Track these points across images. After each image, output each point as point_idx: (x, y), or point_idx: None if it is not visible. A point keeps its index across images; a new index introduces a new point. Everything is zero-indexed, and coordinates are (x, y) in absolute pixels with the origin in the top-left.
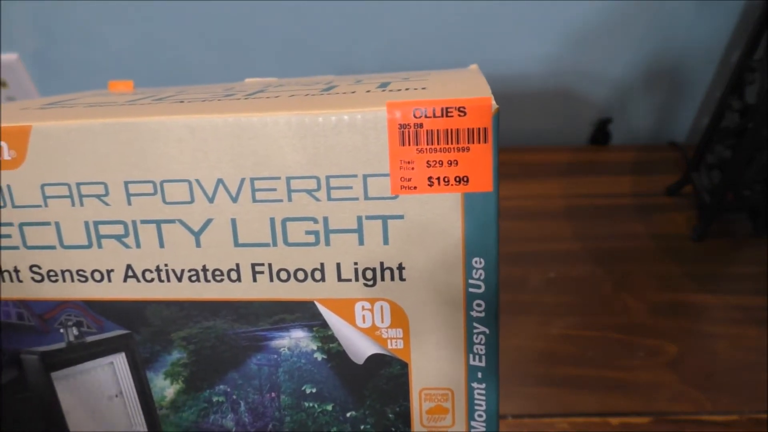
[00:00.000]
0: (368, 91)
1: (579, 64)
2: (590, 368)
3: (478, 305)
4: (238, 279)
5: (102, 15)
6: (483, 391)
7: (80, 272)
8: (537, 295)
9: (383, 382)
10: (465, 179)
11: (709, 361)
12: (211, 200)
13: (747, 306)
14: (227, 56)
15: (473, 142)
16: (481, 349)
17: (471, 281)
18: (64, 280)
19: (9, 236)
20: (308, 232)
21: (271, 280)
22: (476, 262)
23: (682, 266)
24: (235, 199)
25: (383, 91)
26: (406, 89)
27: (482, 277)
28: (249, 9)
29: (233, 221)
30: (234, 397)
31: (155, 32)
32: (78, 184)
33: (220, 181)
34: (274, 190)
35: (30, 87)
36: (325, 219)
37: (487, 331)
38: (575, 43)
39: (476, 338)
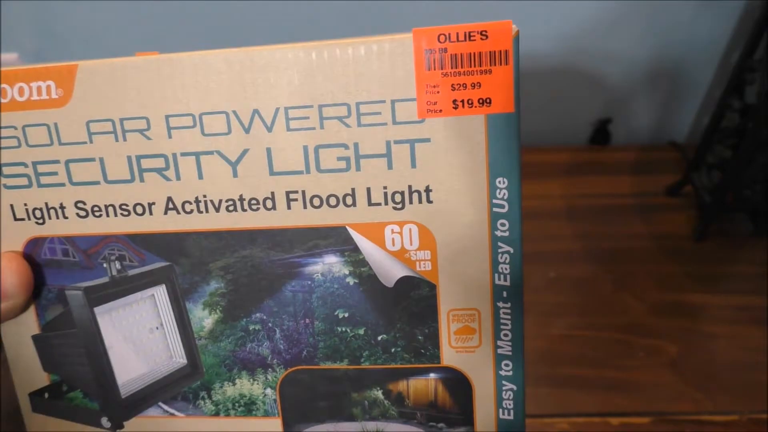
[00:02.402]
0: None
1: (579, 64)
2: (590, 368)
3: (502, 225)
4: (273, 207)
5: (102, 15)
6: (508, 311)
7: (123, 206)
8: (537, 295)
9: (413, 304)
10: (488, 101)
11: (709, 361)
12: (247, 131)
13: (747, 306)
14: None
15: (495, 65)
16: (506, 269)
17: (495, 201)
18: (107, 215)
19: (55, 173)
20: (340, 158)
21: (305, 206)
22: (500, 182)
23: (682, 266)
24: (270, 129)
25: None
26: None
27: (505, 197)
28: (249, 9)
29: (268, 150)
30: (270, 324)
31: (155, 32)
32: (121, 120)
33: (255, 111)
34: (307, 118)
35: None
36: (356, 145)
37: (512, 251)
38: (575, 42)
39: (501, 257)
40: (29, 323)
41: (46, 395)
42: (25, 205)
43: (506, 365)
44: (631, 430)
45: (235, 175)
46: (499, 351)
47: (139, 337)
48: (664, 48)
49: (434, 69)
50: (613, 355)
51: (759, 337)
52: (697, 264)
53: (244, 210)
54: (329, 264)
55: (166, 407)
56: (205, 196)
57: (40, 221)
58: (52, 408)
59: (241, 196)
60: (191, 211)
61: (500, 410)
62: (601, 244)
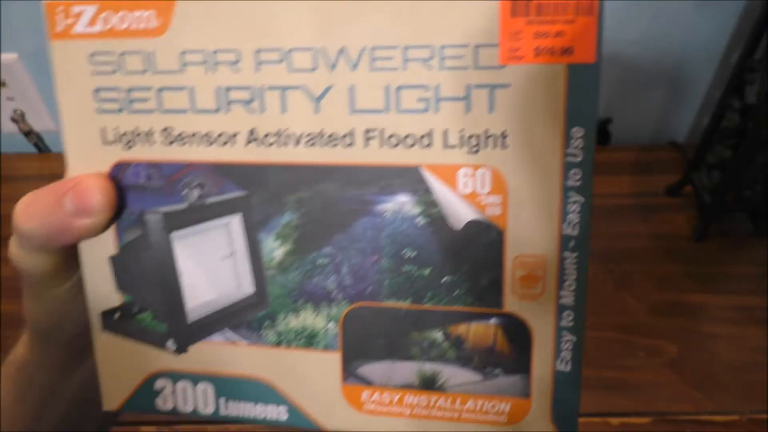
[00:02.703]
0: None
1: None
2: (590, 368)
3: (575, 174)
4: (351, 144)
5: None
6: (574, 261)
7: (207, 135)
8: None
9: (479, 248)
10: (570, 50)
11: (709, 361)
12: (332, 68)
13: (747, 306)
14: None
15: (580, 15)
16: (575, 218)
17: (569, 150)
18: (192, 143)
19: (146, 100)
20: (420, 100)
21: (382, 145)
22: (575, 131)
23: (682, 266)
24: (354, 68)
25: None
26: None
27: (580, 146)
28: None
29: (351, 88)
30: (338, 259)
31: None
32: (214, 52)
33: (342, 50)
34: (391, 59)
35: (30, 87)
36: (437, 87)
37: (582, 200)
38: None
39: (571, 207)
40: (108, 244)
41: (117, 315)
42: (116, 129)
43: (567, 315)
44: (631, 430)
45: (317, 110)
46: (562, 301)
47: (210, 264)
48: (664, 48)
49: (519, 16)
50: (613, 355)
51: (759, 337)
52: (697, 264)
53: (323, 145)
54: (401, 203)
55: (229, 334)
56: (286, 130)
57: (129, 146)
58: (121, 327)
59: (321, 131)
60: (272, 144)
61: (558, 361)
62: (601, 244)
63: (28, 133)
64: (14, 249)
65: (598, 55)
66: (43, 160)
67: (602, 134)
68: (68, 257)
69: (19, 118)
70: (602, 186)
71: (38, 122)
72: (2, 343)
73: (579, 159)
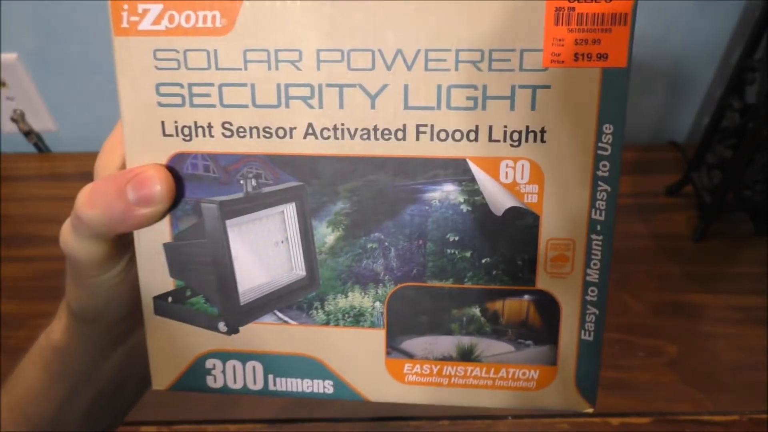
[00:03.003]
0: None
1: None
2: None
3: (604, 166)
4: (404, 138)
5: (102, 15)
6: (600, 243)
7: (266, 129)
8: None
9: (516, 232)
10: (605, 56)
11: (709, 361)
12: (389, 68)
13: (747, 306)
14: None
15: (615, 25)
16: (602, 205)
17: (600, 144)
18: (251, 136)
19: (208, 95)
20: (468, 98)
21: (432, 139)
22: (606, 128)
23: (682, 266)
24: (409, 68)
25: None
26: None
27: (610, 141)
28: None
29: (405, 87)
30: (386, 244)
31: None
32: (276, 51)
33: (399, 51)
34: (444, 60)
35: (30, 87)
36: (484, 87)
37: (609, 189)
38: None
39: (599, 195)
40: (163, 232)
41: (170, 299)
42: (176, 122)
43: (592, 291)
44: (631, 430)
45: (372, 107)
46: (588, 278)
47: (264, 249)
48: (664, 48)
49: (561, 24)
50: (613, 355)
51: (759, 337)
52: (697, 264)
53: (376, 139)
54: (447, 192)
55: (280, 315)
56: (342, 124)
57: (187, 138)
58: (173, 311)
59: (375, 126)
60: (328, 137)
61: (582, 331)
62: None
63: (28, 133)
64: (68, 237)
65: (629, 60)
66: (42, 160)
67: None
68: (117, 246)
69: (18, 118)
70: None
71: (38, 122)
72: (2, 343)
73: (608, 153)
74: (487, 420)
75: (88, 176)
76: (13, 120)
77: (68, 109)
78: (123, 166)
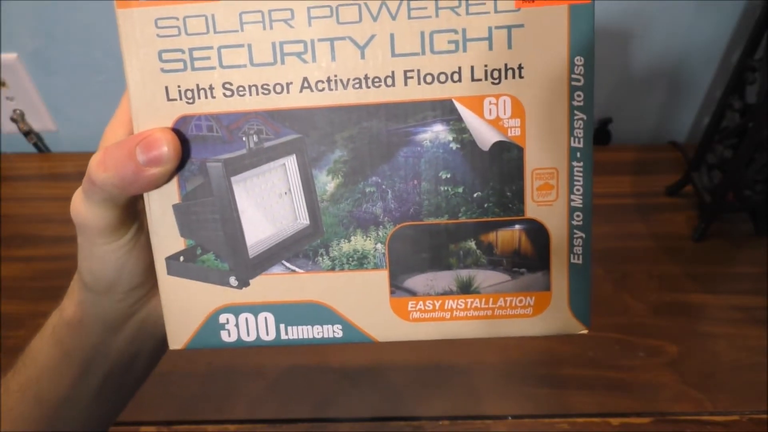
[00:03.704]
0: None
1: None
2: (590, 368)
3: (578, 95)
4: (393, 84)
5: (102, 15)
6: (581, 169)
7: (264, 86)
8: None
9: (503, 165)
10: None
11: (710, 361)
12: (375, 19)
13: (747, 306)
14: None
15: None
16: (580, 133)
17: (573, 76)
18: (250, 94)
19: (208, 58)
20: (450, 42)
21: (419, 83)
22: (577, 60)
23: (682, 266)
24: (394, 18)
25: None
26: None
27: (582, 72)
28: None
29: (391, 36)
30: (383, 187)
31: None
32: (270, 11)
33: (383, 3)
34: (425, 8)
35: (30, 87)
36: (464, 30)
37: (585, 117)
38: None
39: (576, 123)
40: (171, 193)
41: (182, 258)
42: (179, 86)
43: (577, 216)
44: (632, 430)
45: (362, 57)
46: (572, 204)
47: (268, 202)
48: (664, 48)
49: None
50: (613, 355)
51: (759, 337)
52: (697, 264)
53: (368, 87)
54: (436, 132)
55: (288, 264)
56: (335, 76)
57: (190, 101)
58: (185, 270)
59: (366, 75)
60: (323, 89)
61: (571, 255)
62: (601, 244)
63: (28, 133)
64: (79, 205)
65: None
66: (42, 160)
67: (602, 134)
68: (127, 213)
69: (18, 118)
70: (602, 186)
71: (38, 122)
72: (2, 343)
73: (582, 83)
74: (487, 420)
75: None
76: (13, 120)
77: (68, 109)
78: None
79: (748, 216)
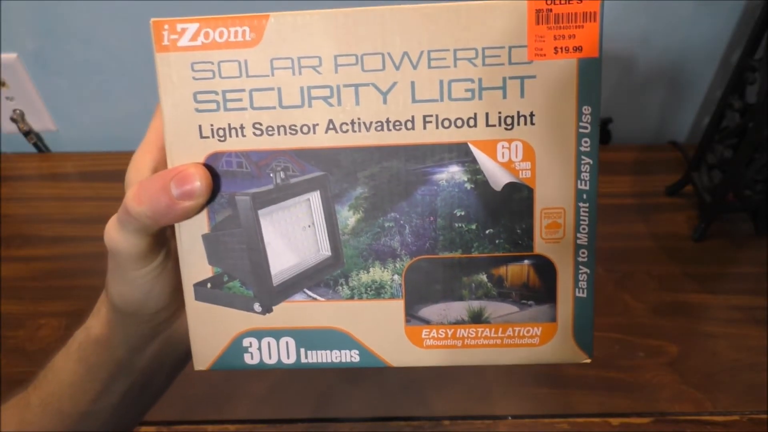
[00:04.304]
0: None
1: None
2: (591, 368)
3: (586, 142)
4: (413, 128)
5: (102, 15)
6: (587, 210)
7: (292, 127)
8: None
9: (514, 204)
10: (580, 48)
11: (710, 361)
12: (397, 68)
13: (747, 306)
14: None
15: (586, 21)
16: (587, 176)
17: (581, 124)
18: (278, 134)
19: (240, 100)
20: (467, 90)
21: (437, 127)
22: (585, 109)
23: (682, 266)
24: (415, 67)
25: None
26: None
27: (589, 121)
28: (248, 9)
29: (412, 83)
30: (401, 222)
31: None
32: (299, 58)
33: (405, 53)
34: (444, 59)
35: (30, 87)
36: (480, 79)
37: (591, 162)
38: None
39: (583, 167)
40: (201, 224)
41: (209, 285)
42: (211, 125)
43: (583, 253)
44: (632, 431)
45: (384, 102)
46: (578, 241)
47: (293, 234)
48: (665, 47)
49: (542, 24)
50: (613, 355)
51: (759, 337)
52: (697, 264)
53: (389, 130)
54: (452, 173)
55: (309, 293)
56: (359, 119)
57: (222, 139)
58: (212, 296)
59: (387, 119)
60: (347, 131)
61: (576, 289)
62: (601, 244)
63: (28, 133)
64: (114, 233)
65: (600, 50)
66: (42, 160)
67: (602, 134)
68: (157, 241)
69: (18, 118)
70: (602, 186)
71: (38, 122)
72: (2, 343)
73: (588, 130)
74: (487, 420)
75: (87, 176)
76: (13, 120)
77: (68, 109)
78: (154, 170)
79: (748, 216)
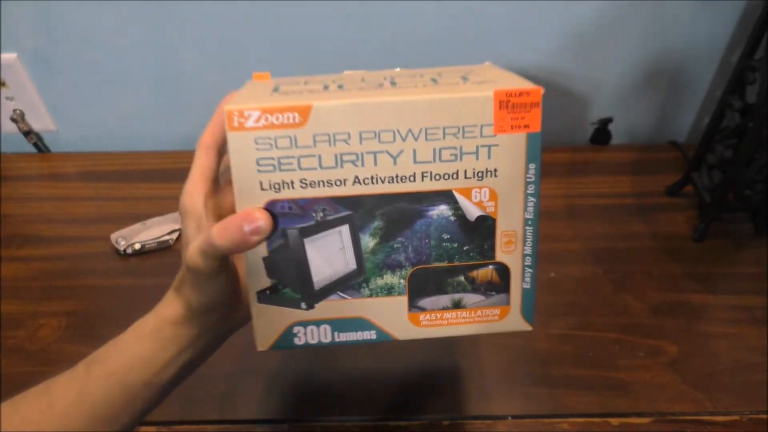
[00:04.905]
0: (466, 80)
1: (579, 64)
2: (590, 368)
3: (531, 187)
4: (414, 180)
5: (102, 15)
6: (531, 231)
7: (328, 181)
8: (537, 294)
9: (483, 230)
10: (528, 125)
11: (710, 361)
12: (404, 140)
13: (747, 306)
14: (225, 56)
15: (532, 108)
16: (531, 210)
17: (528, 176)
18: (319, 187)
19: (290, 164)
20: (452, 154)
21: (431, 180)
22: (531, 166)
23: (682, 266)
24: (416, 139)
25: (480, 83)
26: (491, 81)
27: (533, 173)
28: (247, 9)
29: (414, 150)
30: (406, 244)
31: (155, 32)
32: (334, 134)
33: (409, 130)
34: (437, 134)
35: (30, 87)
36: (461, 147)
37: (534, 200)
38: (575, 43)
39: (529, 204)
40: (262, 250)
41: (268, 291)
42: (270, 181)
43: (528, 259)
44: (632, 431)
45: (394, 163)
46: (525, 252)
47: (329, 254)
48: (665, 48)
49: (503, 110)
50: (613, 355)
51: (759, 337)
52: (697, 264)
53: (398, 182)
54: (441, 210)
55: (340, 294)
56: (377, 175)
57: (277, 191)
58: (270, 299)
59: (396, 174)
60: (368, 183)
61: (523, 283)
62: (601, 244)
63: (28, 133)
64: (198, 258)
65: (542, 126)
66: (42, 159)
67: (603, 134)
68: (225, 262)
69: (18, 118)
70: (602, 186)
71: (38, 122)
72: (2, 343)
73: (533, 179)
74: (487, 420)
75: (87, 176)
76: (13, 120)
77: (68, 109)
78: (205, 200)
79: (748, 216)
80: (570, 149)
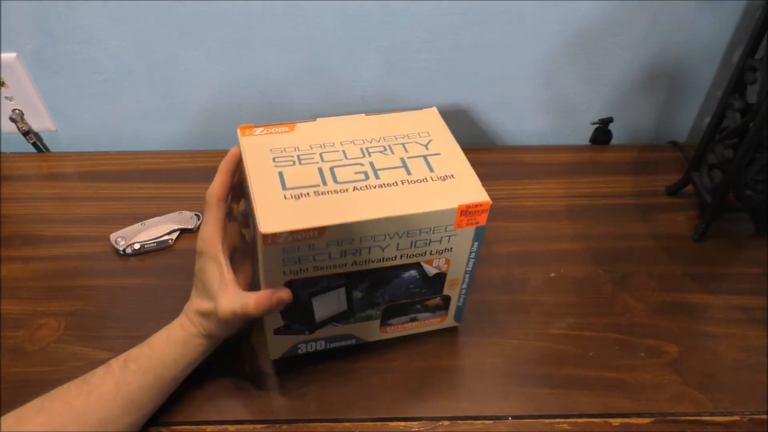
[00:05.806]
0: (432, 170)
1: (579, 64)
2: (591, 368)
3: (473, 254)
4: (395, 260)
5: (102, 15)
6: (469, 276)
7: (333, 266)
8: (537, 295)
9: (437, 280)
10: (477, 222)
11: (710, 361)
12: (391, 238)
13: (747, 306)
14: (224, 56)
15: (482, 212)
16: (471, 264)
17: (472, 250)
18: (326, 269)
19: (308, 259)
20: (423, 242)
21: (407, 258)
22: (474, 246)
23: (682, 266)
24: (400, 237)
25: (443, 180)
26: (451, 176)
27: (476, 248)
28: (246, 9)
29: (398, 244)
30: (384, 294)
31: (154, 32)
32: (342, 240)
33: (396, 232)
34: (416, 233)
35: (29, 87)
36: (430, 239)
37: (474, 259)
38: (576, 42)
39: (470, 262)
40: None
41: (281, 328)
42: (291, 270)
43: (463, 290)
44: (632, 431)
45: (382, 252)
46: (462, 287)
47: (329, 304)
48: (665, 48)
49: (463, 216)
50: (613, 355)
51: (759, 337)
52: (697, 264)
53: (383, 262)
54: (411, 272)
55: (335, 323)
56: (369, 259)
57: (296, 274)
58: (282, 332)
59: (383, 258)
60: (362, 265)
61: (457, 303)
62: (601, 244)
63: (27, 133)
64: (231, 316)
65: (485, 221)
66: (41, 159)
67: (603, 134)
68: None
69: (18, 118)
70: (602, 186)
71: (37, 122)
72: (2, 342)
73: (475, 249)
74: (488, 420)
75: (87, 176)
76: (13, 120)
77: (68, 109)
78: (222, 244)
79: (748, 216)
80: (570, 149)
